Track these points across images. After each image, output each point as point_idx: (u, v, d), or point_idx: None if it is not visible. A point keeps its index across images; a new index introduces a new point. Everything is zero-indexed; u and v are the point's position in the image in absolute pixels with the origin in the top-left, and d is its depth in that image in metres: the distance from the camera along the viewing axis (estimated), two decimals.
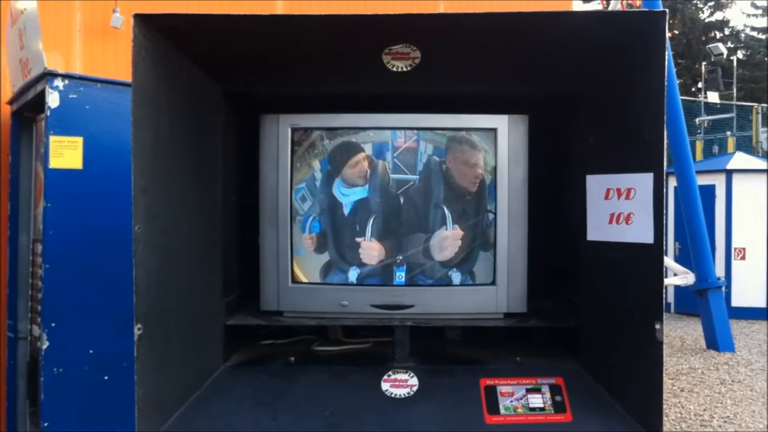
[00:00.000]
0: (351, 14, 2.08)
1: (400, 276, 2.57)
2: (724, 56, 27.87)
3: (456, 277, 2.59)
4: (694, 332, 9.99)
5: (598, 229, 2.39)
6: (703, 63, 27.65)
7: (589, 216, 2.42)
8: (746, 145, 20.19)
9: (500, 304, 2.58)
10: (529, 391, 2.34)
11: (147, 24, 2.05)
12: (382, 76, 2.39)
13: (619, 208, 2.29)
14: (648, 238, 2.16)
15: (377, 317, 2.56)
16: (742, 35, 36.82)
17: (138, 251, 1.99)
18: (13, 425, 4.10)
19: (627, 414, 2.21)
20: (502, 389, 2.35)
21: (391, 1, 6.19)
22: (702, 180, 9.88)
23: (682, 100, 10.22)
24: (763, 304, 11.34)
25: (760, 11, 36.09)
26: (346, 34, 2.23)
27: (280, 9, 6.00)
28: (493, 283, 2.58)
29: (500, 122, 2.56)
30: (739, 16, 57.65)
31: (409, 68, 2.37)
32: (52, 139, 3.41)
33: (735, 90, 25.23)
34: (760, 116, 20.99)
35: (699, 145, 20.25)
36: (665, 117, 2.08)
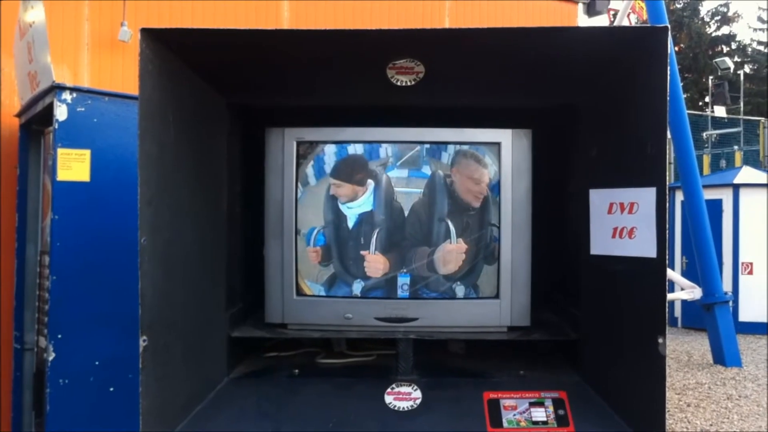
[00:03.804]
0: (356, 29, 2.10)
1: (404, 289, 2.58)
2: (731, 70, 27.89)
3: (460, 290, 2.60)
4: (701, 347, 9.94)
5: (602, 243, 2.39)
6: (710, 77, 27.66)
7: (593, 230, 2.43)
8: (753, 160, 20.15)
9: (504, 318, 2.59)
10: (532, 404, 2.34)
11: (153, 38, 2.06)
12: (387, 90, 2.41)
13: (622, 222, 2.29)
14: (651, 252, 2.17)
15: (381, 330, 2.57)
16: (749, 49, 36.86)
17: (143, 263, 2.01)
18: None
19: (630, 429, 2.21)
20: (506, 402, 2.35)
21: (396, 5, 6.22)
22: (709, 194, 9.85)
23: (689, 114, 10.21)
24: None
25: (766, 25, 36.10)
26: (350, 48, 2.25)
27: (286, 14, 6.03)
28: (497, 296, 2.59)
29: (504, 136, 2.58)
30: (746, 31, 57.79)
31: (413, 82, 2.39)
32: (60, 151, 3.44)
33: (742, 104, 25.22)
34: (767, 130, 20.95)
35: (706, 160, 20.21)
36: (667, 131, 2.08)
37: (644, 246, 2.20)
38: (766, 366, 8.86)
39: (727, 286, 10.52)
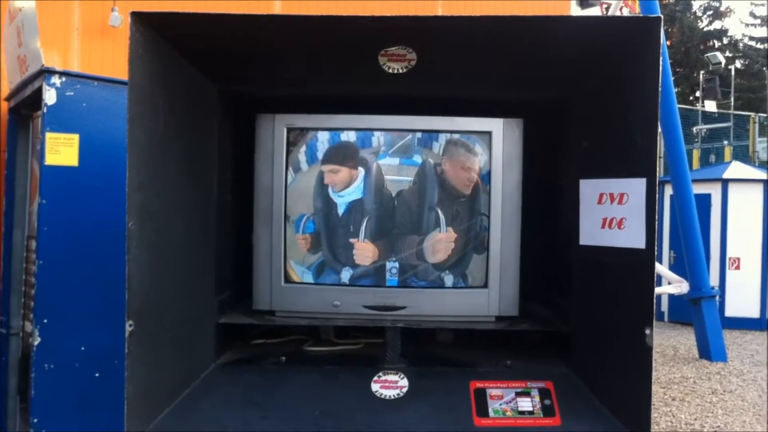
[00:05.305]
0: (347, 15, 2.09)
1: (393, 277, 2.58)
2: (722, 65, 27.96)
3: (448, 279, 2.60)
4: (687, 341, 9.98)
5: (591, 233, 2.39)
6: (701, 72, 27.74)
7: (582, 220, 2.43)
8: (743, 155, 20.21)
9: (492, 307, 2.59)
10: (518, 394, 2.35)
11: (144, 22, 2.05)
12: (378, 77, 2.40)
13: (612, 213, 2.29)
14: (640, 243, 2.17)
15: (369, 318, 2.57)
16: (741, 45, 36.94)
17: (131, 248, 2.00)
18: (4, 421, 4.09)
19: (616, 419, 2.21)
20: (492, 392, 2.35)
21: (388, 4, 6.20)
22: (698, 189, 9.87)
23: (680, 108, 10.22)
24: (756, 315, 11.34)
25: (758, 21, 36.24)
26: (342, 34, 2.24)
27: (277, 8, 6.00)
28: (486, 285, 2.59)
29: (495, 126, 2.57)
30: (738, 26, 57.95)
31: (404, 70, 2.38)
32: (49, 135, 3.41)
33: (733, 99, 25.27)
34: (757, 126, 21.01)
35: (696, 154, 20.25)
36: (659, 123, 2.08)
37: (634, 237, 2.20)
38: (759, 361, 8.90)
39: (714, 280, 10.56)
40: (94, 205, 3.48)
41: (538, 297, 2.89)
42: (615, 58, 2.25)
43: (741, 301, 11.42)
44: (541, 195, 2.78)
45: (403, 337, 2.52)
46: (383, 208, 2.58)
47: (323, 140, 2.60)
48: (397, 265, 2.59)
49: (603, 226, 2.33)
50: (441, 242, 2.59)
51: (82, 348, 3.50)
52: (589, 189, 2.40)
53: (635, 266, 2.17)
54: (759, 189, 11.60)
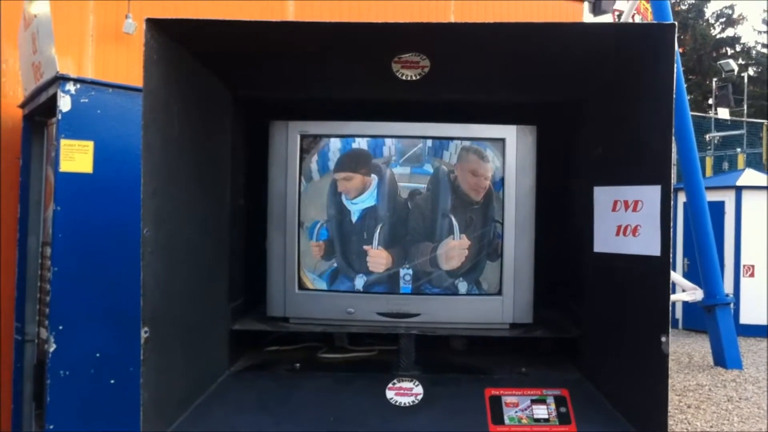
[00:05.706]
0: (361, 22, 2.09)
1: (407, 284, 2.57)
2: (735, 72, 27.84)
3: (462, 286, 2.59)
4: (702, 349, 9.95)
5: (605, 240, 2.38)
6: (714, 79, 27.64)
7: (596, 227, 2.42)
8: (756, 162, 20.14)
9: (506, 314, 2.58)
10: (534, 401, 2.33)
11: (159, 29, 2.05)
12: (392, 84, 2.40)
13: (626, 220, 2.28)
14: (655, 250, 2.16)
15: (383, 325, 2.56)
16: (753, 52, 36.83)
17: (146, 254, 2.00)
18: (19, 427, 4.11)
19: (632, 427, 2.20)
20: (507, 399, 2.34)
21: (401, 4, 6.20)
22: (711, 196, 9.85)
23: (693, 115, 10.21)
24: None
25: None
26: (356, 41, 2.24)
27: (291, 12, 6.02)
28: (500, 293, 2.58)
29: (509, 132, 2.57)
30: (751, 33, 57.74)
31: (418, 77, 2.38)
32: (63, 142, 3.43)
33: (745, 107, 25.19)
34: None
35: (709, 162, 20.20)
36: (674, 129, 2.07)
37: (648, 244, 2.19)
38: (766, 368, 8.85)
39: (728, 288, 10.51)
40: (109, 212, 3.50)
41: (552, 303, 2.88)
42: (629, 65, 2.24)
43: (755, 309, 11.38)
44: (554, 201, 2.77)
45: (417, 344, 2.51)
46: (396, 216, 2.58)
47: (335, 148, 2.60)
48: (410, 272, 2.58)
49: (617, 234, 2.32)
50: (454, 249, 2.58)
51: (97, 354, 3.51)
52: (603, 196, 2.39)
53: (650, 273, 2.15)
54: None
